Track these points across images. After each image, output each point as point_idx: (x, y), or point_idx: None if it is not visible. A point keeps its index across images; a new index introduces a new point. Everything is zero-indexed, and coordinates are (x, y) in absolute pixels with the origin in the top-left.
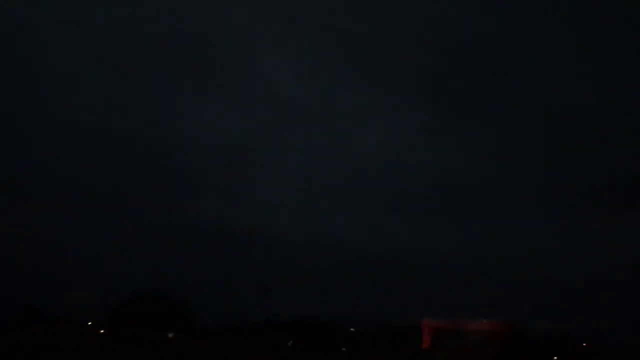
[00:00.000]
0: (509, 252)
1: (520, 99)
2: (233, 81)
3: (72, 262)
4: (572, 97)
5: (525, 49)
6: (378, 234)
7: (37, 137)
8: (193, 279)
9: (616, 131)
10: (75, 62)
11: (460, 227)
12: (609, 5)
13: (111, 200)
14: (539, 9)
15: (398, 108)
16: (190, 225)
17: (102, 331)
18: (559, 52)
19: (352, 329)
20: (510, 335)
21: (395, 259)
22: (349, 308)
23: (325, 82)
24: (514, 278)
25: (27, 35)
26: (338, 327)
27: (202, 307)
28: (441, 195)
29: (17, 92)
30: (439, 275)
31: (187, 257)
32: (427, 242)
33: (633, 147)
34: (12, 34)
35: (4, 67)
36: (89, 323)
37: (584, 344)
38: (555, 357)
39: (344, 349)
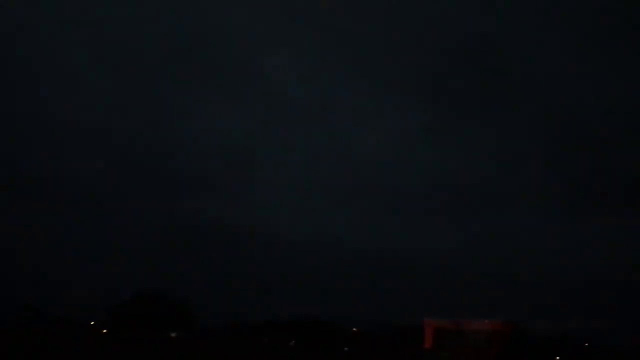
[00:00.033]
0: (509, 252)
1: (520, 99)
2: (233, 81)
3: (72, 262)
4: (572, 97)
5: (525, 49)
6: (378, 234)
7: (37, 137)
8: (193, 279)
9: (616, 131)
10: (75, 62)
11: (460, 227)
12: (609, 5)
13: (111, 200)
14: (539, 9)
15: (398, 108)
16: (190, 225)
17: (104, 331)
18: (559, 52)
19: (354, 329)
20: (512, 335)
21: (395, 259)
22: (349, 308)
23: (325, 82)
24: (514, 278)
25: (27, 35)
26: (338, 327)
27: (202, 307)
28: (441, 195)
29: (17, 92)
30: (439, 275)
31: (187, 257)
32: (427, 242)
33: (633, 147)
34: (12, 34)
35: (4, 67)
36: (92, 323)
37: (586, 344)
38: (557, 358)
39: (346, 348)
